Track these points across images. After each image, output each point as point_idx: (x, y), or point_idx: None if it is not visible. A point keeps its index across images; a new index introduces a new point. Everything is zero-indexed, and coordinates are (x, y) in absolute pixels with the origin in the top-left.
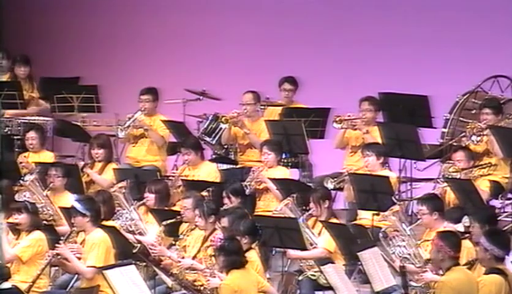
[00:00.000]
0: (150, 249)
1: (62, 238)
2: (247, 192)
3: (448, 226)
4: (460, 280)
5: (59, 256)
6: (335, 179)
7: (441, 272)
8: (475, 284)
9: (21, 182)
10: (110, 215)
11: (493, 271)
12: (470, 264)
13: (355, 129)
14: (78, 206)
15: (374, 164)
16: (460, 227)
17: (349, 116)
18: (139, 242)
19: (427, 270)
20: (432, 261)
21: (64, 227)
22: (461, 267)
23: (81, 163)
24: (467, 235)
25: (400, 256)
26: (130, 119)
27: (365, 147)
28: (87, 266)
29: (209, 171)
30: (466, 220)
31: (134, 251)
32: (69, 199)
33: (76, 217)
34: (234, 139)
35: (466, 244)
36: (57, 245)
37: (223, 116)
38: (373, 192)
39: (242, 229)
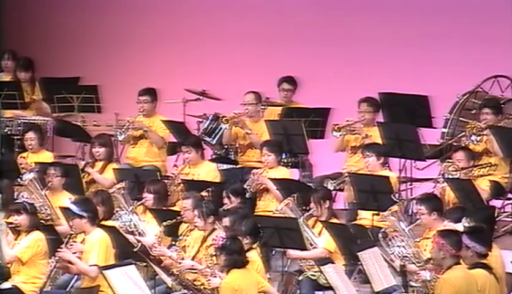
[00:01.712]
0: (151, 249)
1: (61, 238)
2: (248, 195)
3: (447, 225)
4: (460, 279)
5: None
6: (335, 181)
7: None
8: (475, 283)
9: (19, 181)
10: (109, 215)
11: (477, 266)
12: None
13: (354, 134)
14: (74, 208)
15: (374, 164)
16: (460, 227)
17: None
18: (139, 242)
19: (425, 269)
20: (433, 259)
21: (62, 227)
22: (461, 266)
23: (82, 163)
24: None
25: (400, 256)
26: (129, 122)
27: (365, 147)
28: (90, 265)
29: (208, 170)
30: (466, 220)
31: (135, 249)
32: (67, 199)
33: (73, 219)
34: (235, 139)
35: None
36: (58, 250)
37: (223, 117)
38: (373, 192)
39: (244, 229)
